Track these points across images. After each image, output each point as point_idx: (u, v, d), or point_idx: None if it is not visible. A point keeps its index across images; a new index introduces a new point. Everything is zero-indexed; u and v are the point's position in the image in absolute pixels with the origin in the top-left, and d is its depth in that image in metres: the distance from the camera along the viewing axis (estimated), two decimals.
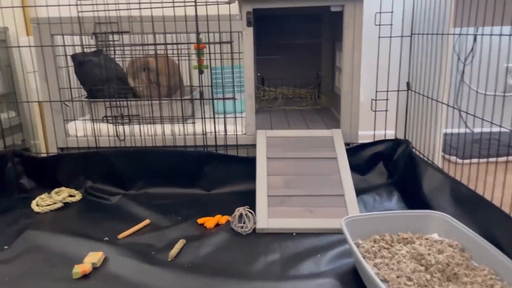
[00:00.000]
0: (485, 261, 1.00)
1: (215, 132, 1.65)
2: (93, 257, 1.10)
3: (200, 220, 1.34)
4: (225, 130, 1.65)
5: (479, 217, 1.13)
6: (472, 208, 1.17)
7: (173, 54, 1.64)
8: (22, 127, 2.10)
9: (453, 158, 1.82)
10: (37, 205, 1.46)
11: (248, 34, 1.57)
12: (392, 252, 1.06)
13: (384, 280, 0.95)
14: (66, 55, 1.69)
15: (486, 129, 1.23)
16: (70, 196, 1.54)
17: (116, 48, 1.62)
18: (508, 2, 1.13)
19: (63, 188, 1.57)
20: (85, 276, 1.04)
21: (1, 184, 1.56)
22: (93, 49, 1.73)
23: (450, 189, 1.28)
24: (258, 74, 2.27)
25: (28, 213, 1.43)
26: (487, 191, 1.15)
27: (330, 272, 1.04)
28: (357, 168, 1.61)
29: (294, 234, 1.25)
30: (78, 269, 1.04)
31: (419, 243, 1.09)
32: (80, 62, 1.71)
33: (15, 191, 1.59)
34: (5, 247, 1.20)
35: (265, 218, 1.29)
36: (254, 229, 1.27)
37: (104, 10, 1.52)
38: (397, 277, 0.95)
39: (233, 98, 1.62)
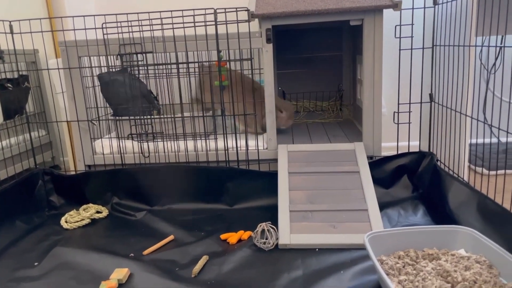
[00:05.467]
0: None
1: (236, 147, 1.66)
2: (119, 274, 1.12)
3: (223, 236, 1.35)
4: (247, 145, 1.67)
5: (507, 233, 1.10)
6: (500, 223, 1.14)
7: (195, 72, 1.67)
8: (52, 145, 2.18)
9: (479, 169, 1.78)
10: (66, 222, 1.51)
11: (268, 51, 1.59)
12: (417, 269, 1.04)
13: None
14: (92, 76, 1.75)
15: None
16: (98, 212, 1.58)
17: (140, 67, 1.67)
18: None
19: (90, 205, 1.62)
20: None
21: (32, 202, 1.62)
22: (118, 69, 1.78)
23: (477, 204, 1.25)
24: (279, 88, 2.28)
25: (58, 230, 1.48)
26: None
27: None
28: (380, 181, 1.60)
29: (317, 249, 1.24)
30: (105, 286, 1.07)
31: (445, 259, 1.06)
32: (106, 82, 1.77)
33: (46, 208, 1.64)
34: (36, 263, 1.24)
35: (287, 233, 1.29)
36: (277, 245, 1.27)
37: (128, 32, 1.57)
38: None
39: (254, 114, 1.64)
